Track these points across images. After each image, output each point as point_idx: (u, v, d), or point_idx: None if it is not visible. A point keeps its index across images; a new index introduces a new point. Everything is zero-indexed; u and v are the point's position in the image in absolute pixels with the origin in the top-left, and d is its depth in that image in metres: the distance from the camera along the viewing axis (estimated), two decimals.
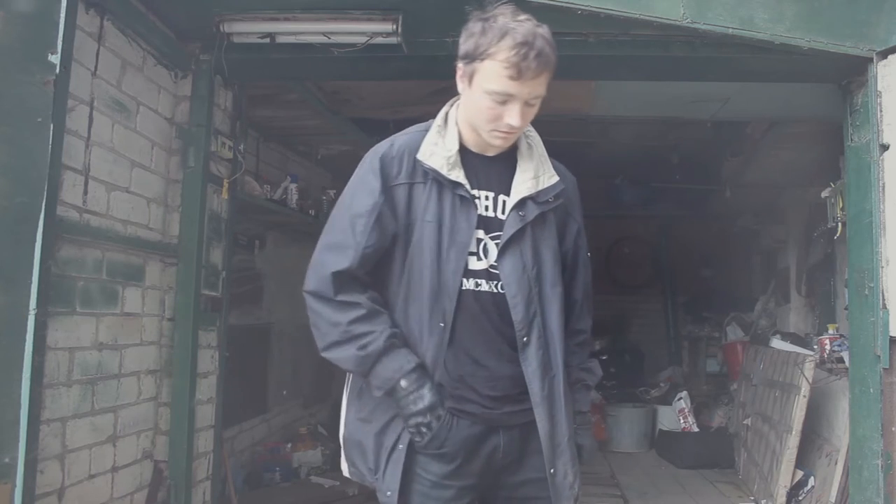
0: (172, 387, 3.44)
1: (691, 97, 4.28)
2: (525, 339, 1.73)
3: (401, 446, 1.72)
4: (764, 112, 4.67)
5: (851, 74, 3.17)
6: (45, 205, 2.37)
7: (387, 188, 1.73)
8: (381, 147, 1.79)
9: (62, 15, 2.39)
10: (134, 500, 3.25)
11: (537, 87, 1.66)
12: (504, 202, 1.77)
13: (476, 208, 1.74)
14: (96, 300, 2.96)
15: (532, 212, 1.76)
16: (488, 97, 1.65)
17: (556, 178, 1.81)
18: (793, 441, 4.40)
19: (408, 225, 1.74)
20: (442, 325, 1.70)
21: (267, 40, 3.34)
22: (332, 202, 5.58)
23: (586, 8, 2.92)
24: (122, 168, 3.11)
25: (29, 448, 2.29)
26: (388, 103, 4.76)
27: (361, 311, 1.69)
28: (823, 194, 4.17)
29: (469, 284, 1.73)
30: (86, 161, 2.84)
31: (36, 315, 2.31)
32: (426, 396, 1.68)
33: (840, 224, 3.88)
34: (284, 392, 5.50)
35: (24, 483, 2.26)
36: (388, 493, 1.72)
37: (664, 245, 8.82)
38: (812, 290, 6.13)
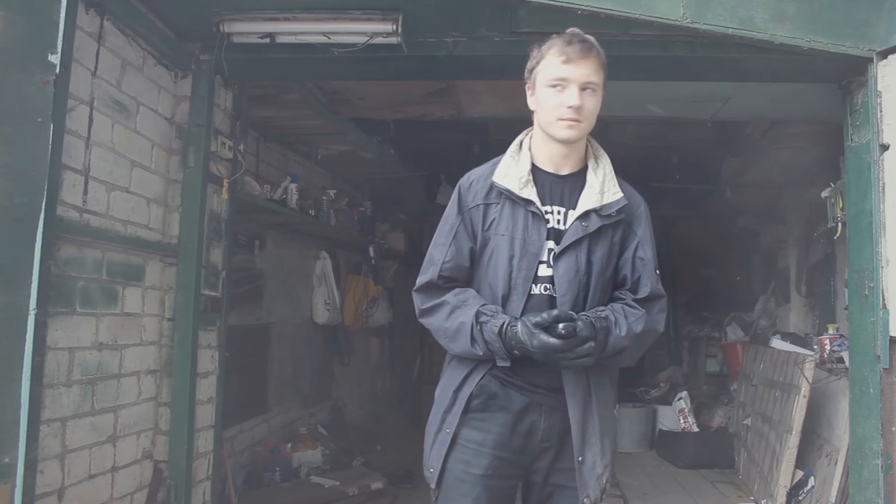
0: (172, 387, 3.44)
1: (691, 97, 4.28)
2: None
3: (448, 430, 1.93)
4: (764, 112, 4.67)
5: (851, 74, 3.18)
6: (45, 205, 2.37)
7: (464, 211, 1.97)
8: (462, 180, 2.04)
9: (62, 15, 2.40)
10: (134, 500, 3.25)
11: (589, 70, 1.87)
12: (571, 215, 1.95)
13: (547, 222, 1.92)
14: (96, 300, 2.96)
15: (594, 223, 1.93)
16: (548, 88, 1.88)
17: (620, 195, 1.97)
18: (793, 441, 4.40)
19: (485, 240, 1.95)
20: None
21: (267, 40, 3.34)
22: (332, 202, 5.65)
23: (586, 8, 2.92)
24: (122, 168, 3.11)
25: (29, 448, 2.29)
26: (388, 103, 4.76)
27: (448, 308, 1.94)
28: (823, 194, 4.17)
29: (537, 290, 1.91)
30: (86, 161, 2.84)
31: (36, 315, 2.31)
32: (520, 330, 1.80)
33: (840, 224, 3.88)
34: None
35: (24, 483, 2.26)
36: (431, 469, 1.95)
37: (664, 245, 8.80)
38: (812, 290, 6.13)
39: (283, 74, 3.95)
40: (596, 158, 2.02)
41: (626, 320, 1.91)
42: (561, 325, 1.78)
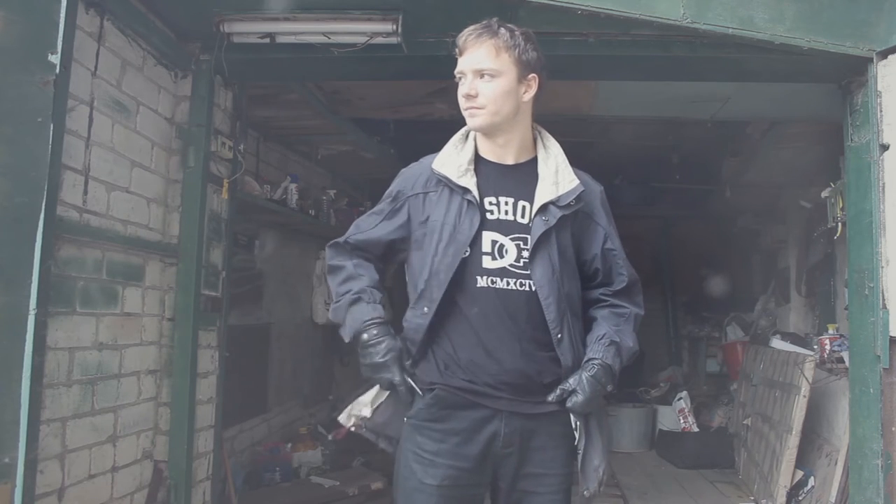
0: (172, 387, 3.44)
1: (691, 97, 4.28)
2: (559, 336, 1.87)
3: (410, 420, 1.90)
4: (764, 112, 4.67)
5: (851, 74, 3.17)
6: (45, 205, 2.37)
7: (401, 198, 1.99)
8: (405, 169, 2.06)
9: (62, 15, 2.39)
10: (134, 500, 3.25)
11: (481, 56, 1.86)
12: (524, 207, 1.91)
13: (481, 212, 1.88)
14: (96, 300, 2.96)
15: (555, 215, 1.89)
16: (458, 84, 1.90)
17: (575, 182, 1.92)
18: (793, 441, 4.40)
19: (422, 231, 1.93)
20: (426, 310, 1.88)
21: (267, 40, 3.34)
22: (332, 202, 5.65)
23: (586, 8, 2.92)
24: (122, 168, 3.11)
25: (29, 448, 2.29)
26: (388, 103, 4.76)
27: (344, 274, 2.01)
28: (823, 194, 4.17)
29: (483, 282, 1.87)
30: (86, 161, 2.84)
31: (36, 315, 2.31)
32: (381, 352, 1.88)
33: (840, 224, 3.88)
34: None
35: (24, 483, 2.26)
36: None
37: (664, 245, 8.81)
38: (812, 290, 6.13)
39: (283, 74, 3.95)
40: (545, 148, 1.98)
41: (626, 328, 1.98)
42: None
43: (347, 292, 1.96)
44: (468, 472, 1.86)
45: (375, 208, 2.06)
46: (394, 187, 2.04)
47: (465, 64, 1.88)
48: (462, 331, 1.87)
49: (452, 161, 1.92)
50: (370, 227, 2.03)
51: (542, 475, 1.89)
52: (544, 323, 1.85)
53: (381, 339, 1.89)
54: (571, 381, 1.88)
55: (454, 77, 1.92)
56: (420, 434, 1.88)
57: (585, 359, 1.92)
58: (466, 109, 1.88)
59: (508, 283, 1.86)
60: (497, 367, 1.85)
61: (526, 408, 1.87)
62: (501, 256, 1.87)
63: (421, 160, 2.03)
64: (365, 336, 1.90)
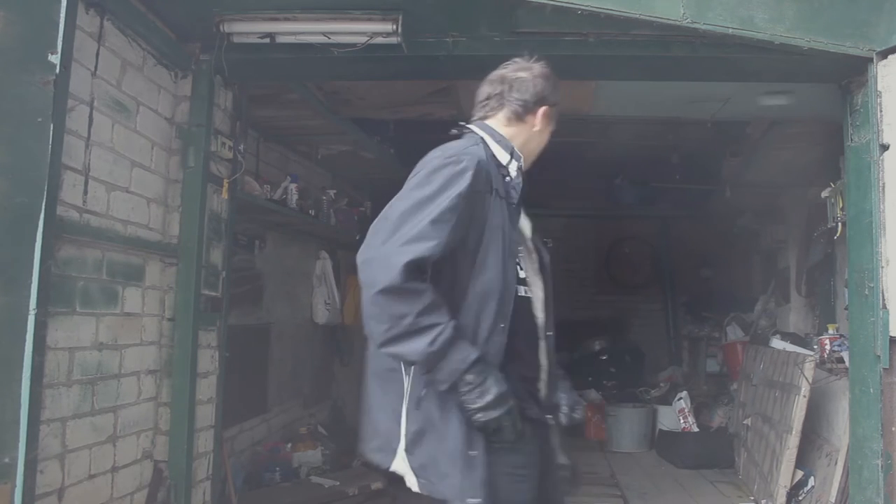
0: (172, 387, 3.44)
1: (691, 97, 4.28)
2: (549, 332, 1.97)
3: (473, 452, 1.74)
4: (764, 112, 4.67)
5: (851, 74, 3.18)
6: (45, 205, 2.37)
7: (472, 193, 1.80)
8: (474, 153, 1.87)
9: (62, 15, 2.40)
10: (134, 500, 3.25)
11: None
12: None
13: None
14: (96, 300, 2.96)
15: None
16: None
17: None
18: (793, 441, 4.40)
19: (482, 230, 1.82)
20: (502, 326, 1.81)
21: (267, 40, 3.34)
22: (332, 202, 5.64)
23: (586, 8, 2.92)
24: (122, 168, 3.11)
25: (29, 448, 2.29)
26: (388, 103, 4.76)
27: (427, 301, 1.69)
28: (823, 194, 4.17)
29: (521, 292, 1.92)
30: (86, 161, 2.84)
31: (36, 315, 2.32)
32: (492, 389, 1.71)
33: (840, 224, 3.88)
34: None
35: (24, 483, 2.26)
36: (476, 500, 1.73)
37: (664, 245, 8.81)
38: (812, 290, 6.13)
39: (283, 74, 3.95)
40: None
41: None
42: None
43: (435, 326, 1.68)
44: (536, 478, 1.91)
45: (442, 209, 1.74)
46: (460, 180, 1.78)
47: None
48: (517, 343, 1.85)
49: (504, 160, 1.97)
50: (447, 237, 1.73)
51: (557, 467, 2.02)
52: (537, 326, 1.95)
53: (485, 375, 1.72)
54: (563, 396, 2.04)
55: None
56: (514, 454, 1.80)
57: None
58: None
59: (526, 292, 1.94)
60: (536, 371, 1.94)
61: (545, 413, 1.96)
62: (521, 267, 1.95)
63: (467, 148, 1.90)
64: (470, 377, 1.70)
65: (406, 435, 1.79)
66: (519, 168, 1.99)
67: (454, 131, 2.04)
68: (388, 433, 1.82)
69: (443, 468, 1.76)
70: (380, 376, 1.87)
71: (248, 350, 4.73)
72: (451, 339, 1.69)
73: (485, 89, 2.08)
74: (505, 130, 2.03)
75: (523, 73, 2.05)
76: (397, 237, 1.71)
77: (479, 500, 1.73)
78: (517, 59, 2.09)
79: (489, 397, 1.70)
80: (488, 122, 2.05)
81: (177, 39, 3.45)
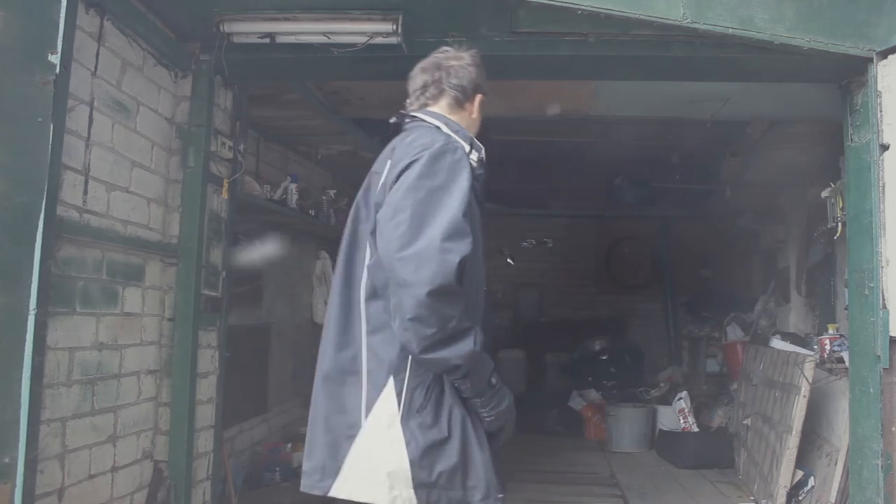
0: (172, 387, 3.44)
1: (691, 97, 4.28)
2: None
3: (486, 454, 1.74)
4: (764, 112, 4.67)
5: (851, 74, 3.18)
6: (45, 205, 2.37)
7: (471, 183, 1.78)
8: (461, 144, 1.87)
9: (62, 15, 2.40)
10: (134, 500, 3.25)
11: None
12: None
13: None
14: (96, 300, 2.96)
15: None
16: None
17: None
18: (793, 441, 4.40)
19: (472, 223, 1.75)
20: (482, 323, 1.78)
21: (267, 40, 3.34)
22: (332, 202, 5.64)
23: (586, 8, 2.92)
24: (122, 168, 3.11)
25: (29, 448, 2.29)
26: (388, 103, 4.74)
27: (463, 304, 1.62)
28: (823, 194, 4.17)
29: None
30: (86, 161, 2.84)
31: (36, 315, 2.32)
32: (508, 393, 1.75)
33: (840, 224, 3.88)
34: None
35: (24, 483, 2.26)
36: (500, 496, 1.73)
37: (664, 245, 8.81)
38: (812, 290, 6.13)
39: (283, 74, 3.95)
40: None
41: None
42: None
43: (471, 327, 1.63)
44: None
45: (463, 201, 1.69)
46: (466, 172, 1.76)
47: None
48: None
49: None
50: (469, 229, 1.68)
51: None
52: None
53: (499, 379, 1.72)
54: None
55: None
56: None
57: None
58: None
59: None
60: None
61: None
62: None
63: (448, 137, 1.87)
64: (494, 380, 1.70)
65: (409, 452, 1.68)
66: (480, 159, 1.93)
67: (394, 119, 2.01)
68: (332, 450, 1.74)
69: (470, 476, 1.70)
70: (334, 380, 1.77)
71: (248, 350, 4.73)
72: (481, 343, 1.65)
73: (420, 77, 2.03)
74: (453, 118, 2.01)
75: (456, 60, 2.04)
76: (433, 231, 1.60)
77: (502, 495, 1.74)
78: (447, 49, 2.07)
79: (508, 401, 1.74)
80: (432, 109, 2.01)
81: (177, 39, 3.45)
